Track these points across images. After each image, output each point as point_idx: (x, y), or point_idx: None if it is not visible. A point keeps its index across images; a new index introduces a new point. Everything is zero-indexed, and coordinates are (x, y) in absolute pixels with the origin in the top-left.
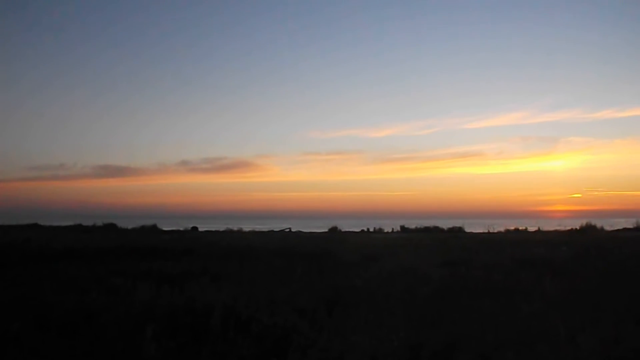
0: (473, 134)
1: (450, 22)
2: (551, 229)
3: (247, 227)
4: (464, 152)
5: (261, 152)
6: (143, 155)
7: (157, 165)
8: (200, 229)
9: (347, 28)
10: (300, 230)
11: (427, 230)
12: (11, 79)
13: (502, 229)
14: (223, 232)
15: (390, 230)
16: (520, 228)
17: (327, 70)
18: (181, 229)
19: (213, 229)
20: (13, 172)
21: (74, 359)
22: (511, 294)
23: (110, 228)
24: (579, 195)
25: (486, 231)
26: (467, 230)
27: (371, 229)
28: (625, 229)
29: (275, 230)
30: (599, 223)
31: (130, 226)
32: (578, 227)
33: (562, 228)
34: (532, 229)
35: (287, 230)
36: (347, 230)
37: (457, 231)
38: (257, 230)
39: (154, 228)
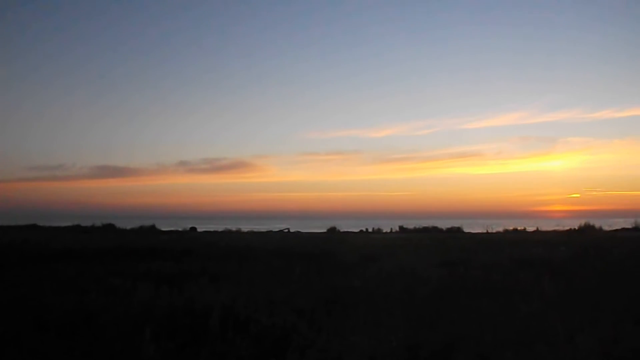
0: (472, 134)
1: (449, 22)
2: (550, 229)
3: (245, 228)
4: (463, 152)
5: (260, 152)
6: (142, 156)
7: (156, 165)
8: (199, 230)
9: (346, 29)
10: (299, 230)
11: (425, 230)
12: (10, 79)
13: (500, 229)
14: (222, 232)
15: (389, 231)
16: (519, 228)
17: (325, 70)
18: (180, 229)
19: (212, 230)
20: (12, 173)
21: (73, 359)
22: (510, 294)
23: (109, 228)
24: (578, 195)
25: (485, 231)
26: (466, 230)
27: (370, 229)
28: (623, 229)
29: (273, 230)
30: (597, 223)
31: (129, 226)
32: (577, 227)
33: (560, 228)
34: (530, 229)
35: (286, 230)
36: (346, 230)
37: (456, 231)
38: (255, 230)
39: (152, 228)
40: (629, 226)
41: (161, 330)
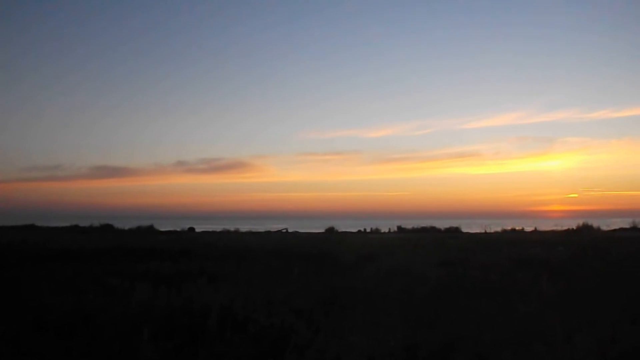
0: (470, 134)
1: (447, 23)
2: (548, 229)
3: (244, 228)
4: (461, 152)
5: (258, 152)
6: (140, 156)
7: (154, 165)
8: (197, 230)
9: (344, 29)
10: (297, 230)
11: (424, 230)
12: (8, 80)
13: (498, 229)
14: (220, 232)
15: (387, 231)
16: (517, 228)
17: (323, 71)
18: (178, 229)
19: (210, 230)
20: (10, 173)
21: (71, 359)
22: (508, 294)
23: (107, 229)
24: (576, 195)
25: (483, 231)
26: (464, 230)
27: (368, 229)
28: (621, 229)
29: (272, 230)
30: (595, 223)
31: (127, 227)
32: (575, 227)
33: (558, 228)
34: (528, 229)
35: (284, 230)
36: (344, 230)
37: (454, 231)
38: (254, 230)
39: (150, 229)
40: (627, 226)
41: (159, 331)
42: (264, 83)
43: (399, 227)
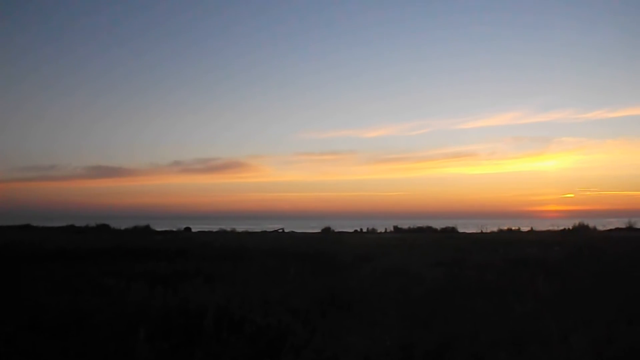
0: (466, 134)
1: (444, 24)
2: (544, 229)
3: (240, 228)
4: (457, 152)
5: (254, 152)
6: (136, 156)
7: (150, 165)
8: (193, 230)
9: (342, 30)
10: (294, 230)
11: (420, 230)
12: (7, 80)
13: (495, 229)
14: (216, 232)
15: (383, 231)
16: (513, 228)
17: (321, 71)
18: (174, 229)
19: (206, 230)
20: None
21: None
22: (504, 294)
23: (103, 229)
24: (572, 195)
25: (479, 231)
26: (460, 230)
27: (364, 230)
28: (617, 229)
29: (268, 230)
30: (591, 223)
31: (123, 227)
32: (571, 227)
33: (554, 228)
34: (525, 229)
35: (280, 230)
36: (341, 230)
37: (450, 231)
38: (250, 230)
39: (147, 229)
40: (623, 226)
41: (155, 331)
42: (260, 83)
43: (396, 227)
